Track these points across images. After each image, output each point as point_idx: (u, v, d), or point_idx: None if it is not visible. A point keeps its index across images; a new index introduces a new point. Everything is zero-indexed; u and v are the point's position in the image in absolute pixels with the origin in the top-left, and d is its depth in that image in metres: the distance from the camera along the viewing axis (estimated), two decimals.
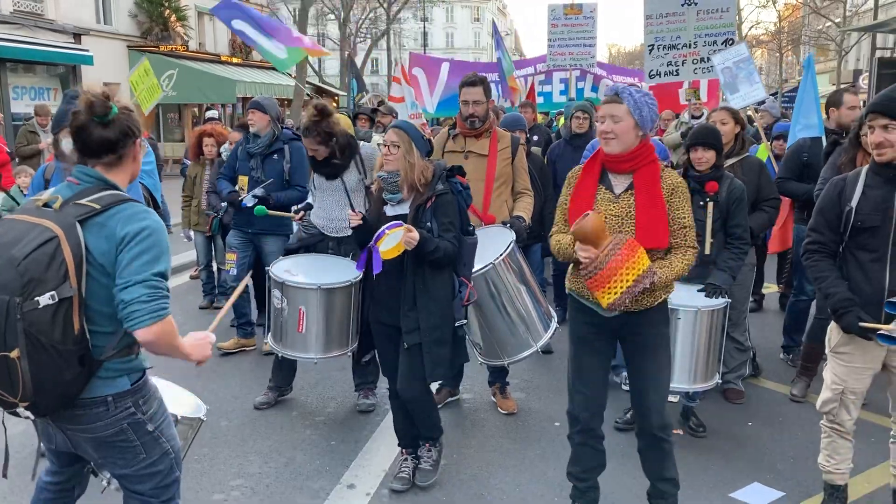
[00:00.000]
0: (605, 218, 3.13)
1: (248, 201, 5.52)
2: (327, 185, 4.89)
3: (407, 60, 11.64)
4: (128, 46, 23.47)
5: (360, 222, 3.75)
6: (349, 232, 4.60)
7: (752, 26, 43.89)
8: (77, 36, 20.92)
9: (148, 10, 24.04)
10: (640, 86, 11.16)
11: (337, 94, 33.90)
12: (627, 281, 2.93)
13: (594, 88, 12.21)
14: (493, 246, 4.18)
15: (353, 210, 4.17)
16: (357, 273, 4.36)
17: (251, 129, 5.70)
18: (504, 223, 4.59)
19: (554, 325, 4.33)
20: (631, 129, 3.12)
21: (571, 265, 3.36)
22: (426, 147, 3.77)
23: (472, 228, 3.91)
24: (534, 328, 4.22)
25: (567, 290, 3.41)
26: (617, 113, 3.11)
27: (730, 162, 4.86)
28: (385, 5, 38.40)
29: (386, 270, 3.65)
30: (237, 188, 5.71)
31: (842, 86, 24.53)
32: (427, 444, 4.04)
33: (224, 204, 5.94)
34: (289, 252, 4.97)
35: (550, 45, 10.93)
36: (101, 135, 2.39)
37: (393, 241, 3.48)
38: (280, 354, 4.64)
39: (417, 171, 3.67)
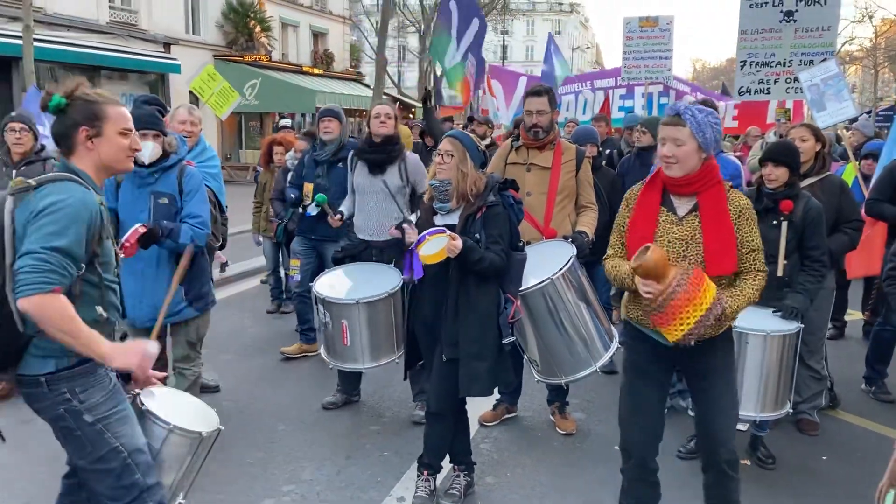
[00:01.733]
0: (669, 242, 3.00)
1: (312, 210, 5.55)
2: (369, 185, 4.97)
3: (488, 72, 11.68)
4: (214, 56, 24.27)
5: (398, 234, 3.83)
6: (389, 237, 4.59)
7: (845, 42, 42.33)
8: (167, 45, 21.78)
9: (234, 20, 24.86)
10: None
11: (414, 106, 34.26)
12: (696, 315, 2.77)
13: None
14: (552, 260, 4.06)
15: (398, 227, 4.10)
16: (397, 282, 4.46)
17: (326, 137, 5.75)
18: (566, 237, 4.47)
19: (615, 344, 4.18)
20: (693, 152, 2.98)
21: (627, 293, 3.22)
22: (480, 158, 3.73)
23: (522, 244, 3.83)
24: (593, 347, 4.08)
25: (624, 317, 3.26)
26: (679, 136, 2.97)
27: (808, 181, 4.63)
28: None
29: (430, 280, 3.65)
30: (304, 194, 5.76)
31: None
32: (454, 467, 3.97)
33: (290, 210, 6.02)
34: (336, 261, 5.03)
35: (626, 57, 10.77)
36: (54, 126, 2.60)
37: (435, 247, 3.44)
38: (331, 366, 4.71)
39: (470, 181, 3.65)
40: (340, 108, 6.11)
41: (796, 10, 8.03)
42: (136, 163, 4.24)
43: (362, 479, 4.12)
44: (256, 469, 4.23)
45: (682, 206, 3.08)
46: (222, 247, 5.46)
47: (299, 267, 5.87)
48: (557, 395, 4.83)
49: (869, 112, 23.02)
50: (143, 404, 2.74)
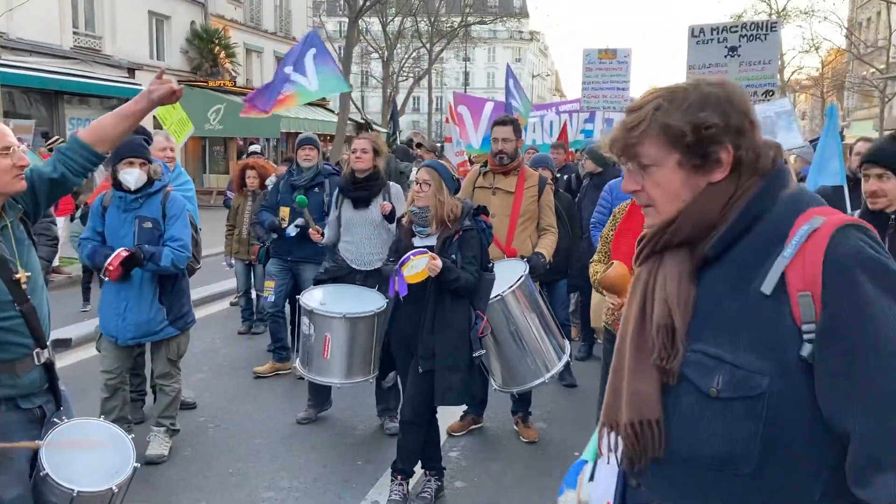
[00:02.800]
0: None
1: (291, 231, 5.84)
2: (356, 219, 5.18)
3: (452, 100, 12.00)
4: (178, 81, 24.28)
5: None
6: (377, 265, 5.02)
7: (794, 71, 43.84)
8: (131, 70, 21.81)
9: (198, 46, 24.95)
10: None
11: (378, 131, 34.62)
12: None
13: None
14: (509, 276, 4.42)
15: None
16: (381, 304, 4.64)
17: (305, 164, 6.02)
18: (523, 257, 4.83)
19: (566, 357, 4.58)
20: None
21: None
22: (454, 185, 4.07)
23: (490, 265, 4.14)
24: (547, 357, 4.43)
25: (603, 324, 3.62)
26: None
27: None
28: (428, 46, 39.13)
29: (409, 297, 3.90)
30: (279, 218, 6.02)
31: (885, 132, 24.41)
32: (425, 472, 4.22)
33: (272, 234, 6.24)
34: (318, 282, 5.20)
35: (585, 87, 11.18)
36: None
37: (417, 266, 3.75)
38: (306, 378, 4.88)
39: (447, 208, 3.96)
40: (316, 136, 6.41)
41: (739, 46, 8.46)
42: (122, 189, 4.51)
43: (338, 486, 4.35)
44: (237, 478, 4.44)
45: None
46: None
47: (273, 288, 6.10)
48: (521, 406, 5.12)
49: (815, 140, 24.05)
50: (42, 469, 2.55)
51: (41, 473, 2.54)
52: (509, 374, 4.46)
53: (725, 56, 8.60)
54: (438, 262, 3.76)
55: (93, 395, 4.77)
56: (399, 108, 40.63)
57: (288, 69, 7.19)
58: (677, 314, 1.41)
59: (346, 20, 29.40)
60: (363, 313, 4.61)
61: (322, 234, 5.52)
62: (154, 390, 5.15)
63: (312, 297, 4.80)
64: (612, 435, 1.51)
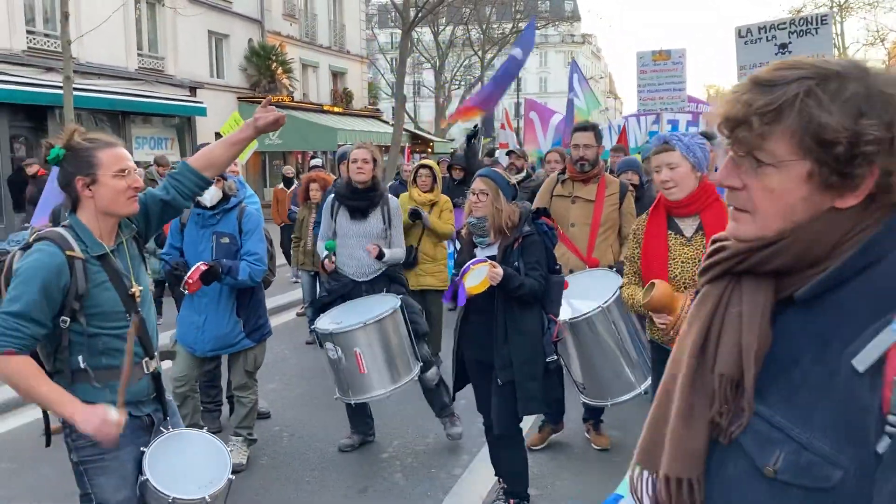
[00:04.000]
0: (682, 263, 3.27)
1: None
2: (353, 230, 4.99)
3: (522, 106, 12.26)
4: (237, 98, 24.94)
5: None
6: (379, 272, 4.95)
7: None
8: (193, 89, 22.43)
9: (256, 63, 25.53)
10: None
11: (431, 140, 34.83)
12: None
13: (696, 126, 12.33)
14: (600, 289, 4.32)
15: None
16: (395, 302, 4.59)
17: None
18: (610, 267, 4.74)
19: None
20: (689, 172, 3.26)
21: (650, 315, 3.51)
22: (512, 192, 3.99)
23: (558, 267, 4.08)
24: (638, 372, 4.31)
25: (649, 339, 3.57)
26: (672, 160, 3.26)
27: None
28: (480, 53, 39.23)
29: (476, 308, 3.87)
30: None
31: None
32: (500, 480, 4.16)
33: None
34: (324, 306, 4.99)
35: (640, 90, 11.12)
36: (58, 179, 2.70)
37: (478, 276, 3.69)
38: (352, 402, 4.68)
39: (505, 215, 3.88)
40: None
41: (790, 43, 8.28)
42: (198, 205, 4.63)
43: (414, 494, 4.42)
44: (313, 486, 4.54)
45: (688, 227, 3.35)
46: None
47: None
48: (592, 414, 5.10)
49: None
50: (144, 474, 2.69)
51: (142, 478, 2.68)
52: (603, 387, 4.34)
53: (776, 54, 8.41)
54: (499, 271, 3.69)
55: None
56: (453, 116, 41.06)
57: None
58: (750, 370, 1.13)
59: (399, 31, 29.78)
60: (381, 314, 4.49)
61: (333, 265, 5.08)
62: (231, 401, 5.29)
63: (326, 323, 4.62)
64: (647, 478, 1.29)
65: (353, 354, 4.46)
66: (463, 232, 4.18)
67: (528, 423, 5.11)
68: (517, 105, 33.62)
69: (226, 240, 4.53)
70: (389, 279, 5.01)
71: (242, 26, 25.50)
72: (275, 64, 25.65)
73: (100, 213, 2.64)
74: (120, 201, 2.64)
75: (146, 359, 2.77)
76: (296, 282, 8.20)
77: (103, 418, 2.47)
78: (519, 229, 3.90)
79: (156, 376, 2.84)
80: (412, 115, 42.86)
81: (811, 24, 8.17)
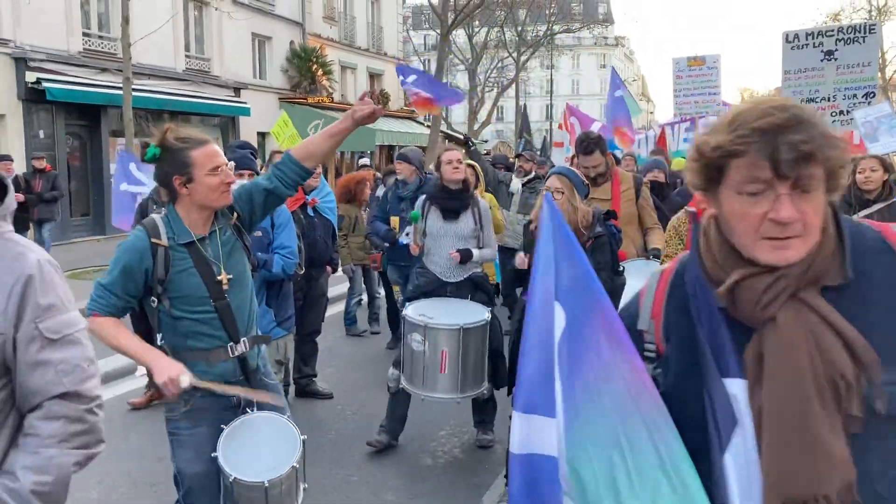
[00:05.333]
0: None
1: (403, 239, 6.35)
2: (443, 230, 5.01)
3: (565, 109, 12.60)
4: (279, 98, 25.57)
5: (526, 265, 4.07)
6: (465, 275, 4.96)
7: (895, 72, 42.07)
8: (237, 90, 23.09)
9: (297, 65, 26.15)
10: None
11: (460, 139, 35.20)
12: None
13: None
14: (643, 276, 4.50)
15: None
16: (486, 314, 4.61)
17: (398, 177, 6.63)
18: (648, 255, 4.93)
19: None
20: None
21: None
22: (585, 191, 4.10)
23: (622, 269, 4.17)
24: None
25: None
26: None
27: (876, 207, 5.05)
28: (515, 55, 39.54)
29: None
30: (391, 227, 6.58)
31: None
32: None
33: (385, 243, 6.75)
34: (409, 299, 5.03)
35: (676, 95, 11.40)
36: (155, 174, 2.91)
37: None
38: (421, 396, 4.71)
39: (580, 214, 3.93)
40: (414, 150, 6.97)
41: (836, 50, 8.50)
42: None
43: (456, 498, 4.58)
44: (380, 454, 5.03)
45: None
46: (334, 270, 6.31)
47: (400, 291, 6.63)
48: None
49: None
50: (214, 451, 2.82)
51: (212, 454, 2.83)
52: None
53: (822, 60, 8.63)
54: None
55: None
56: (486, 117, 41.37)
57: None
58: (871, 352, 1.29)
59: (432, 33, 30.13)
60: (477, 323, 4.52)
61: (419, 248, 5.24)
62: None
63: (417, 312, 4.62)
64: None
65: (440, 352, 4.47)
66: (531, 228, 4.17)
67: None
68: (548, 108, 33.83)
69: (258, 233, 4.50)
70: (475, 285, 5.02)
71: (284, 28, 26.13)
72: (315, 65, 26.25)
73: (195, 207, 2.82)
74: (214, 196, 2.80)
75: (231, 343, 2.87)
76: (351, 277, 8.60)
77: (171, 376, 2.65)
78: (592, 229, 3.94)
79: (243, 360, 2.93)
80: (445, 116, 43.28)
81: (859, 32, 8.41)
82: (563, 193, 3.99)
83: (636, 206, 5.05)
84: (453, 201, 5.00)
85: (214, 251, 2.87)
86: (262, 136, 22.80)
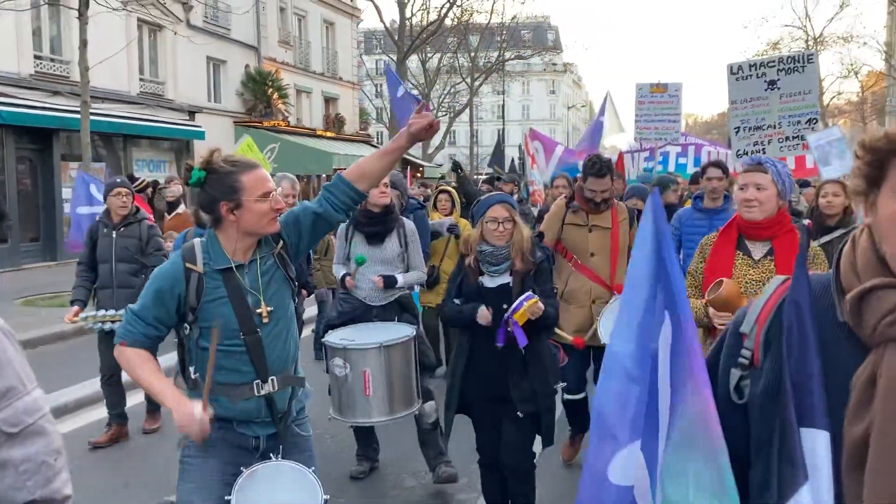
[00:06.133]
0: (745, 283, 3.24)
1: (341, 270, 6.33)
2: (368, 255, 4.89)
3: (527, 134, 12.82)
4: (234, 122, 25.46)
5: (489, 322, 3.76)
6: (391, 298, 4.86)
7: (833, 96, 43.81)
8: (192, 113, 22.94)
9: (253, 89, 26.10)
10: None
11: (421, 165, 35.44)
12: None
13: (697, 161, 12.86)
14: None
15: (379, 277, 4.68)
16: (411, 331, 4.44)
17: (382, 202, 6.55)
18: None
19: None
20: (773, 197, 3.24)
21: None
22: (526, 219, 4.03)
23: (556, 290, 4.08)
24: None
25: None
26: (761, 182, 3.23)
27: (837, 234, 5.08)
28: (468, 80, 40.06)
29: (486, 341, 3.76)
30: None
31: None
32: None
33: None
34: (330, 327, 4.85)
35: (637, 120, 11.71)
36: (199, 198, 2.71)
37: (520, 313, 3.58)
38: (350, 424, 4.62)
39: (527, 243, 3.80)
40: (398, 175, 6.80)
41: (778, 80, 8.83)
42: (204, 225, 4.37)
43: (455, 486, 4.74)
44: (357, 480, 5.03)
45: (757, 250, 3.32)
46: (309, 293, 6.35)
47: None
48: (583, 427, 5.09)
49: None
50: (224, 494, 2.65)
51: (227, 497, 2.63)
52: None
53: (765, 89, 8.97)
54: (541, 305, 3.60)
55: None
56: (440, 142, 41.70)
57: None
58: None
59: (385, 58, 30.42)
60: (399, 339, 4.34)
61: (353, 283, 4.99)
62: None
63: (338, 337, 4.43)
64: None
65: (362, 374, 4.26)
66: (467, 260, 3.94)
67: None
68: (500, 132, 34.37)
69: None
70: (401, 307, 4.96)
71: (239, 52, 26.07)
72: (270, 89, 26.22)
73: (241, 234, 2.65)
74: (262, 223, 2.64)
75: (257, 381, 2.67)
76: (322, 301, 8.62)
77: (188, 413, 2.48)
78: (534, 256, 3.84)
79: (270, 400, 2.71)
80: None
81: (798, 62, 8.79)
82: (511, 222, 3.80)
83: (629, 236, 5.00)
84: (376, 226, 4.90)
85: (252, 281, 2.69)
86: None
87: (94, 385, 6.66)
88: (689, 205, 6.56)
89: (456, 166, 9.34)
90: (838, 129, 8.34)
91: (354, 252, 4.93)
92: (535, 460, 3.96)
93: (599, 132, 11.68)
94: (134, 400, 6.25)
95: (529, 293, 3.63)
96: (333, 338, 4.45)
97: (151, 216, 8.21)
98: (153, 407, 6.02)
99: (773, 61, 9.02)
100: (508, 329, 3.66)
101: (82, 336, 8.51)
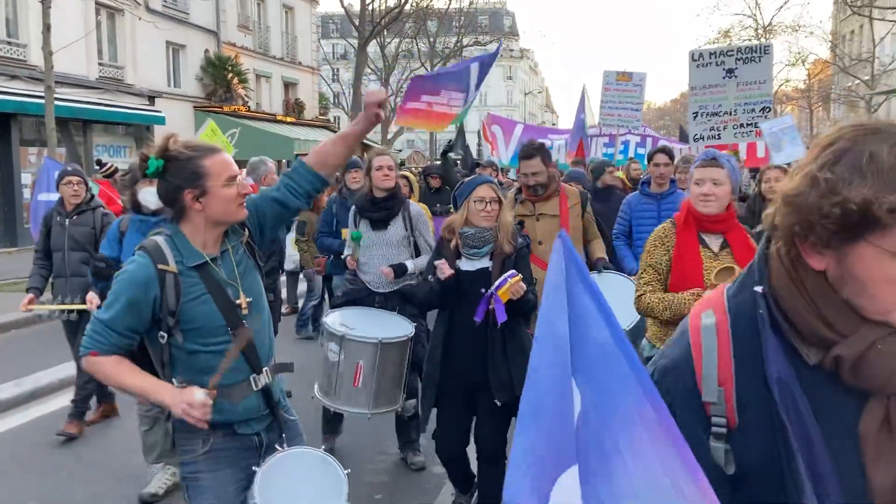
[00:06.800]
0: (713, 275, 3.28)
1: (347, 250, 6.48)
2: (374, 240, 4.89)
3: (485, 119, 12.96)
4: (194, 107, 25.28)
5: (453, 273, 3.74)
6: (395, 287, 4.82)
7: (781, 84, 44.97)
8: (151, 98, 22.75)
9: (213, 74, 25.92)
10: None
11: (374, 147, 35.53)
12: None
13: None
14: (614, 295, 4.21)
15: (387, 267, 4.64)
16: (410, 329, 4.40)
17: (354, 187, 6.35)
18: (597, 269, 4.83)
19: None
20: (728, 192, 3.36)
21: (651, 322, 3.54)
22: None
23: (535, 281, 4.02)
24: None
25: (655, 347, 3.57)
26: (718, 177, 3.32)
27: None
28: (427, 65, 40.17)
29: (465, 328, 3.74)
30: (343, 239, 6.33)
31: None
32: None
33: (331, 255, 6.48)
34: (335, 306, 4.91)
35: (602, 106, 12.13)
36: (159, 190, 2.52)
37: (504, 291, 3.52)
38: (332, 408, 4.58)
39: (510, 226, 3.80)
40: (360, 160, 6.75)
41: (736, 68, 9.30)
42: (142, 211, 4.35)
43: (413, 483, 4.64)
44: None
45: (713, 242, 3.42)
46: (281, 270, 6.52)
47: None
48: None
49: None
50: (253, 497, 2.53)
51: (251, 501, 2.52)
52: None
53: (724, 77, 9.46)
54: (523, 285, 3.55)
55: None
56: (399, 127, 41.72)
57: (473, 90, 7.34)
58: None
59: (342, 42, 30.31)
60: (398, 338, 4.31)
61: (355, 262, 5.02)
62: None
63: (337, 322, 4.40)
64: None
65: (355, 365, 4.25)
66: (453, 243, 3.88)
67: None
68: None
69: None
70: (404, 298, 4.84)
71: (199, 37, 25.85)
72: (230, 74, 26.07)
73: (208, 224, 2.48)
74: (231, 209, 2.47)
75: (253, 375, 2.56)
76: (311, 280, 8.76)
77: (189, 401, 2.34)
78: (516, 241, 3.82)
79: (266, 392, 2.62)
80: None
81: (755, 52, 9.29)
82: (499, 204, 3.78)
83: (582, 220, 4.99)
84: (380, 211, 4.87)
85: (229, 272, 2.54)
86: (149, 147, 22.43)
87: (61, 371, 6.73)
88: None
89: (449, 148, 9.36)
90: (790, 117, 8.82)
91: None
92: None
93: (581, 129, 12.03)
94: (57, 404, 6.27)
95: (513, 271, 3.59)
96: (333, 320, 4.42)
97: (120, 201, 8.09)
98: (79, 411, 5.78)
99: (733, 50, 9.50)
100: (490, 306, 3.60)
101: (51, 322, 8.48)
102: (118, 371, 2.43)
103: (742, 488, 1.29)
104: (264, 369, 2.59)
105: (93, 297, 4.97)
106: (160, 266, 2.40)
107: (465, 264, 3.80)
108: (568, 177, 7.17)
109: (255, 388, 2.56)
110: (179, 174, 2.42)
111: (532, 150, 4.85)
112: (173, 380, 2.47)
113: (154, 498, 4.54)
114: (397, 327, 4.44)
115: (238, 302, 2.51)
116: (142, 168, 2.48)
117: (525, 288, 3.56)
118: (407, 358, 4.42)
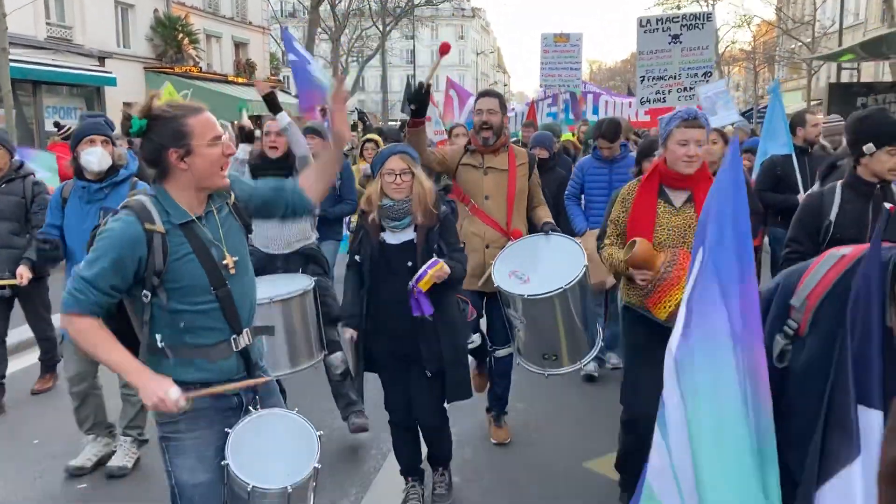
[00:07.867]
0: (668, 230, 3.39)
1: None
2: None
3: (444, 82, 13.27)
4: (144, 68, 24.95)
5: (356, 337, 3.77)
6: (296, 247, 4.74)
7: (728, 45, 45.83)
8: (101, 59, 22.41)
9: (163, 34, 25.55)
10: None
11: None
12: (681, 294, 2.71)
13: (595, 109, 13.82)
14: (559, 257, 4.22)
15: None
16: (309, 282, 4.31)
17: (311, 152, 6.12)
18: (545, 231, 4.56)
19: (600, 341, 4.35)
20: (706, 152, 3.44)
21: (623, 279, 3.56)
22: (426, 169, 3.90)
23: (462, 245, 3.92)
24: (580, 347, 4.22)
25: (624, 303, 3.61)
26: (701, 138, 3.36)
27: None
28: (380, 25, 39.91)
29: (390, 298, 3.64)
30: None
31: (811, 103, 26.59)
32: (440, 468, 4.06)
33: None
34: None
35: (542, 68, 12.61)
36: (143, 150, 2.52)
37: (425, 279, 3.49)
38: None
39: (430, 196, 3.62)
40: (321, 124, 6.45)
41: (681, 34, 9.77)
42: (85, 177, 4.17)
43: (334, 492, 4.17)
44: None
45: (678, 198, 3.46)
46: None
47: None
48: (496, 405, 4.90)
49: (750, 110, 26.05)
50: (225, 458, 2.51)
51: (222, 462, 2.52)
52: (542, 357, 4.18)
53: (669, 43, 9.97)
54: (447, 269, 3.51)
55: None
56: (350, 88, 41.50)
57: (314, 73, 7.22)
58: None
59: (290, 1, 29.75)
60: (290, 294, 4.21)
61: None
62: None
63: None
64: None
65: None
66: (370, 217, 3.70)
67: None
68: (409, 77, 34.22)
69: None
70: (306, 258, 4.78)
71: None
72: (181, 34, 25.74)
73: (192, 185, 2.47)
74: (213, 171, 2.47)
75: (234, 336, 2.57)
76: None
77: (162, 396, 2.34)
78: (439, 209, 3.67)
79: (245, 353, 2.62)
80: None
81: (699, 19, 9.79)
82: (411, 175, 3.61)
83: (528, 183, 4.82)
84: (276, 172, 4.60)
85: (214, 232, 2.54)
86: (128, 106, 22.29)
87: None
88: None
89: (361, 116, 9.30)
90: (723, 82, 9.36)
91: None
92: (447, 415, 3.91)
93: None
94: (24, 363, 6.24)
95: (434, 259, 3.54)
96: None
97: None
98: (48, 368, 5.83)
99: (678, 17, 10.00)
100: (415, 297, 3.56)
101: None
102: (99, 342, 2.42)
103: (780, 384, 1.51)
104: (244, 330, 2.60)
105: (23, 271, 4.90)
106: (147, 225, 2.39)
107: (390, 237, 3.69)
108: (535, 141, 6.95)
109: (234, 349, 2.57)
110: (164, 133, 2.41)
111: (493, 93, 4.88)
112: (156, 336, 2.47)
113: (80, 471, 4.40)
114: (292, 283, 4.36)
115: (225, 262, 2.52)
116: (124, 127, 2.49)
117: (448, 272, 3.52)
118: (314, 310, 4.33)
